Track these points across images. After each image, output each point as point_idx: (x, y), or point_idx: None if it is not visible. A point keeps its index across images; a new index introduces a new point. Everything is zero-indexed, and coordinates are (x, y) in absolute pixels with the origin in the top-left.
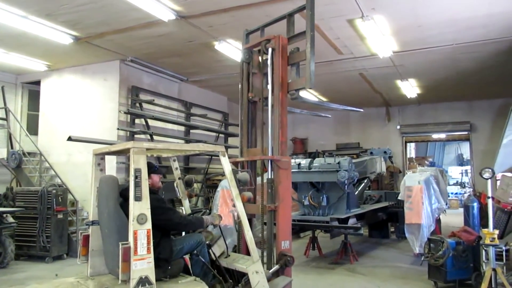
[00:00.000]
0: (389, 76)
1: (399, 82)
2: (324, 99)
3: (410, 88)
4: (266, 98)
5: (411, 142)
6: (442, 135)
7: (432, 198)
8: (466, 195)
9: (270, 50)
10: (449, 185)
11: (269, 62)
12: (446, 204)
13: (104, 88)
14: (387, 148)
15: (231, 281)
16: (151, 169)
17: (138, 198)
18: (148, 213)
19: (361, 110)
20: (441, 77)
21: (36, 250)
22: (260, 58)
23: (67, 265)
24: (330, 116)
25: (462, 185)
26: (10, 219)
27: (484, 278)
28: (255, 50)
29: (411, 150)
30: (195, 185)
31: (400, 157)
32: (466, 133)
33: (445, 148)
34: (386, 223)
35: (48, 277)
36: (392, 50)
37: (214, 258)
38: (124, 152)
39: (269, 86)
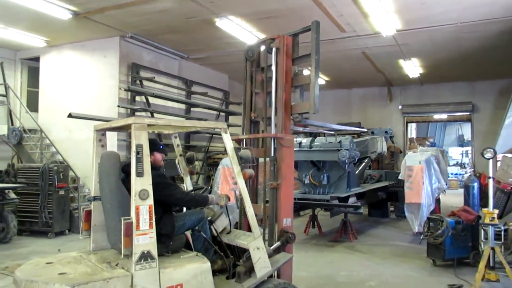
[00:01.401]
0: (392, 55)
1: (401, 62)
2: (326, 78)
3: (412, 68)
4: (269, 93)
5: (412, 122)
6: (444, 116)
7: (432, 178)
8: (466, 175)
9: (274, 49)
10: (449, 165)
11: (273, 61)
12: (446, 184)
13: (104, 65)
14: (388, 128)
15: (232, 257)
16: (155, 146)
17: (140, 174)
18: (150, 188)
19: (365, 130)
20: (444, 57)
21: (38, 225)
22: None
23: (69, 241)
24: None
25: (462, 165)
26: (12, 195)
27: (483, 257)
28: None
29: (412, 130)
30: (196, 163)
31: (401, 137)
32: (468, 113)
33: (446, 128)
34: (386, 202)
35: (51, 252)
36: (396, 28)
37: (216, 234)
38: (125, 128)
39: (273, 85)
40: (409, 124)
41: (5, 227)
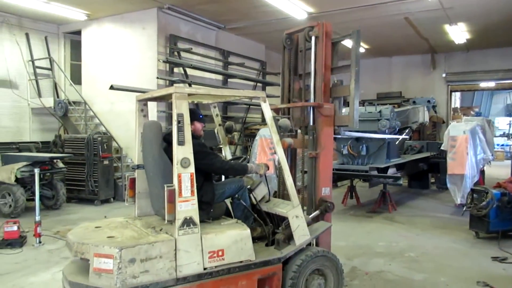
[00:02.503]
0: (436, 20)
1: (447, 27)
2: (366, 46)
3: (458, 33)
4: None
5: (457, 91)
6: (491, 84)
7: (477, 148)
8: None
9: (313, 38)
10: (495, 136)
11: (312, 50)
12: (492, 155)
13: (143, 37)
14: (431, 97)
15: (271, 225)
16: (195, 116)
17: (181, 143)
18: (191, 157)
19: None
20: (493, 21)
21: (85, 193)
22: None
23: (114, 208)
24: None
25: (509, 136)
26: (60, 165)
27: None
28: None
29: (456, 99)
30: (234, 133)
31: (444, 107)
32: None
33: (493, 97)
34: (427, 173)
35: (98, 218)
36: None
37: (255, 203)
38: (166, 98)
39: (312, 74)
40: (453, 93)
41: (55, 194)
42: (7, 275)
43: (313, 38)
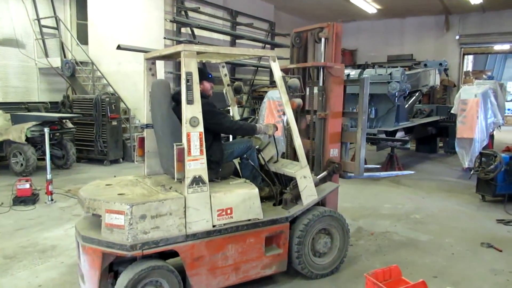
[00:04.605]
0: None
1: None
2: (378, 7)
3: None
4: None
5: (470, 54)
6: (506, 46)
7: (488, 112)
8: None
9: (323, 39)
10: (507, 101)
11: (321, 51)
12: (503, 119)
13: None
14: (443, 60)
15: (279, 185)
16: (204, 75)
17: (190, 102)
18: (200, 116)
19: (412, 172)
20: None
21: (94, 153)
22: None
23: (123, 168)
24: None
25: None
26: (70, 125)
27: None
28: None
29: (468, 63)
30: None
31: (456, 70)
32: None
33: (507, 61)
34: (435, 137)
35: (108, 177)
36: None
37: (263, 163)
38: (174, 57)
39: (321, 78)
40: (465, 56)
41: (65, 154)
42: (21, 230)
43: (322, 40)
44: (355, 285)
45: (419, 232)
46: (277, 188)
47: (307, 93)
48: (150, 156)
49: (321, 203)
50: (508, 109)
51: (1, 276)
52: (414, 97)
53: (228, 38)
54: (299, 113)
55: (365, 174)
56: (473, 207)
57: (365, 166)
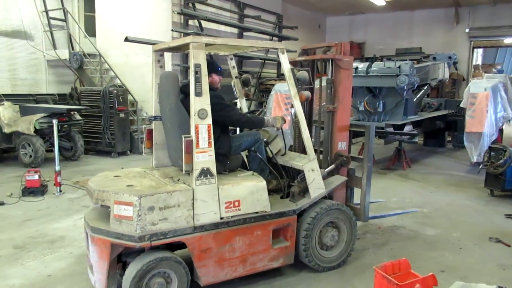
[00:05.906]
0: None
1: None
2: None
3: None
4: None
5: (480, 47)
6: None
7: (498, 106)
8: None
9: (330, 60)
10: None
11: (329, 71)
12: None
13: None
14: (453, 53)
15: (286, 177)
16: (213, 68)
17: (198, 94)
18: (208, 108)
19: (417, 210)
20: None
21: (102, 146)
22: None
23: (130, 160)
24: None
25: None
26: (78, 117)
27: None
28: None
29: (478, 56)
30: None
31: (465, 64)
32: None
33: None
34: (443, 132)
35: (116, 169)
36: None
37: (271, 155)
38: (183, 49)
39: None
40: (475, 50)
41: (73, 146)
42: (31, 221)
43: (330, 60)
44: (362, 278)
45: (426, 226)
46: (284, 181)
47: (316, 85)
48: (158, 148)
49: (329, 196)
50: None
51: (11, 265)
52: (423, 91)
53: (235, 30)
54: (307, 105)
55: (370, 215)
56: (481, 202)
57: (370, 201)
